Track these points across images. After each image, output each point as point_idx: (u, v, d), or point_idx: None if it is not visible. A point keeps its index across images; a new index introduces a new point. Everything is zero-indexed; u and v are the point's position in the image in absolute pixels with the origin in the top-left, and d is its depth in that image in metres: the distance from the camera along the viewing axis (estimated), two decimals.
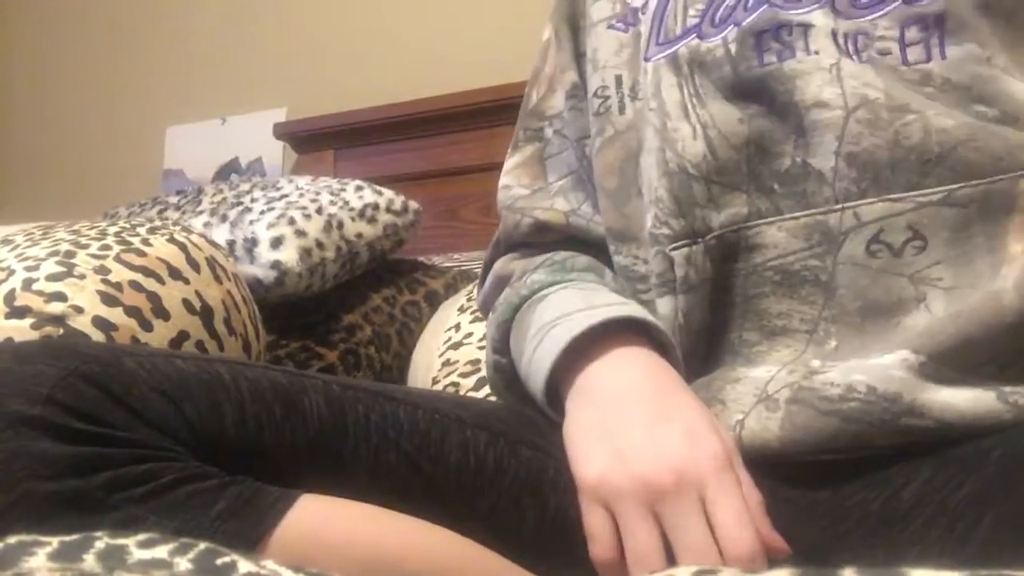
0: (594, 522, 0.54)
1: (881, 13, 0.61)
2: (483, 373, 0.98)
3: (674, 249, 0.64)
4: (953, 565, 0.36)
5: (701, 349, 0.64)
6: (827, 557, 0.57)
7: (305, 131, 2.13)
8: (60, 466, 0.48)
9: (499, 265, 0.79)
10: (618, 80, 0.71)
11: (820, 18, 0.62)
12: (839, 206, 0.59)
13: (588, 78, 0.74)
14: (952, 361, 0.56)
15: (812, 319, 0.61)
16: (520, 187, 0.78)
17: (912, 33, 0.60)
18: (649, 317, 0.64)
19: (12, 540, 0.30)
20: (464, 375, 0.98)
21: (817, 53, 0.61)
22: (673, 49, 0.66)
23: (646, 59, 0.69)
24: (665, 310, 0.64)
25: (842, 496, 0.59)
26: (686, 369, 0.64)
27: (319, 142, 2.10)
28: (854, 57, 0.61)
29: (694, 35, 0.66)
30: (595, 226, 0.75)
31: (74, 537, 0.30)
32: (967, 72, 0.59)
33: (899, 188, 0.58)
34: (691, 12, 0.67)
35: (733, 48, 0.63)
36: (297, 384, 0.57)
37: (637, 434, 0.56)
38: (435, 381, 1.02)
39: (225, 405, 0.54)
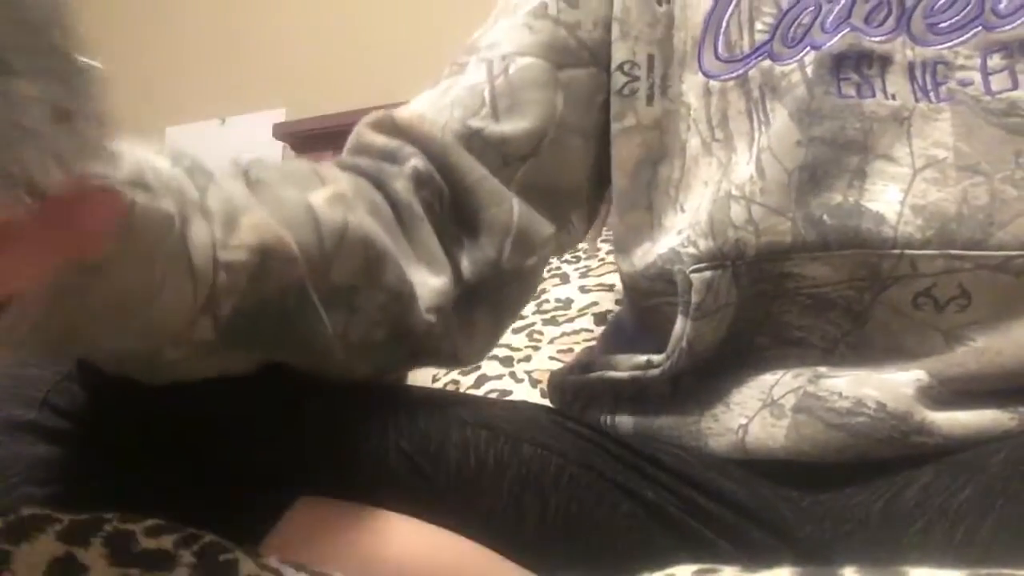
0: None
1: (960, 40, 0.59)
2: (482, 371, 0.98)
3: (696, 271, 0.60)
4: (954, 566, 0.36)
5: (703, 360, 0.63)
6: (828, 557, 0.57)
7: (305, 131, 2.13)
8: (55, 471, 0.47)
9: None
10: (650, 61, 0.65)
11: (899, 49, 0.59)
12: (898, 251, 0.57)
13: (613, 43, 0.66)
14: (968, 390, 0.56)
15: (832, 339, 0.60)
16: (408, 109, 0.65)
17: (995, 61, 0.58)
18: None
19: (26, 514, 0.30)
20: (464, 372, 0.98)
21: (894, 98, 0.59)
22: (743, 70, 0.62)
23: (707, 75, 0.63)
24: (676, 328, 0.61)
25: (844, 497, 0.59)
26: (686, 374, 0.63)
27: (319, 142, 2.10)
28: (931, 95, 0.58)
29: (765, 55, 0.61)
30: (456, 127, 0.62)
31: (84, 517, 0.30)
32: None
33: (962, 244, 0.56)
34: (759, 25, 0.62)
35: (810, 71, 0.60)
36: (296, 385, 0.57)
37: None
38: (435, 379, 1.02)
39: (224, 407, 0.53)
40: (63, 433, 0.48)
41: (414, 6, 2.14)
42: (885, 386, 0.57)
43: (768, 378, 0.60)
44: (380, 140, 0.62)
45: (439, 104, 0.64)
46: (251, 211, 0.47)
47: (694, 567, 0.34)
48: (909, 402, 0.56)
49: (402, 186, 0.59)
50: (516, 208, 0.62)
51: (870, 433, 0.56)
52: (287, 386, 0.56)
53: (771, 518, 0.60)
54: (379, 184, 0.59)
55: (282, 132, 2.18)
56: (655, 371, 0.63)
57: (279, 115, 2.26)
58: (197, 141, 2.37)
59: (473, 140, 0.62)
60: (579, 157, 0.67)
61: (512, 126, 0.63)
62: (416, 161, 0.60)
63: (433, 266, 0.59)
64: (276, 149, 2.26)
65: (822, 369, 0.59)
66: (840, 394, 0.57)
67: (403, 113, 0.63)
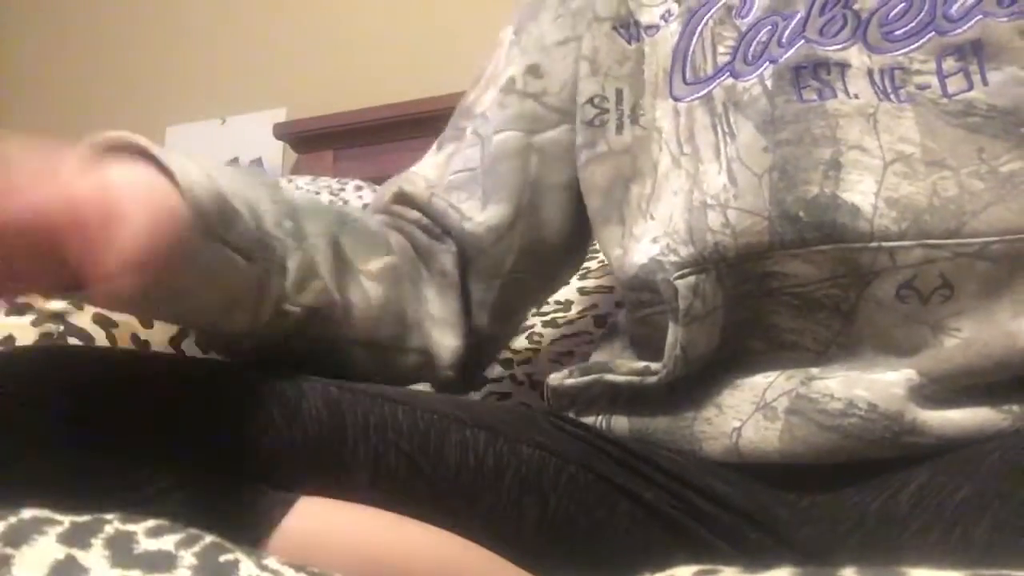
0: None
1: (915, 46, 0.60)
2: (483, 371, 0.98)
3: (679, 278, 0.61)
4: (952, 566, 0.36)
5: (698, 366, 0.63)
6: (826, 558, 0.57)
7: (305, 131, 2.13)
8: (56, 474, 0.47)
9: None
10: (618, 95, 0.69)
11: (856, 56, 0.61)
12: (875, 244, 0.58)
13: (581, 79, 0.72)
14: (961, 388, 0.56)
15: (825, 340, 0.60)
16: (420, 177, 0.76)
17: (949, 64, 0.59)
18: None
19: (27, 515, 0.30)
20: None
21: (857, 97, 0.60)
22: (707, 90, 0.65)
23: (675, 99, 0.66)
24: (671, 339, 0.62)
25: (840, 498, 0.59)
26: (681, 379, 0.63)
27: (319, 142, 2.10)
28: (892, 97, 0.60)
29: (727, 74, 0.64)
30: (454, 215, 0.73)
31: (85, 517, 0.30)
32: (1011, 96, 0.57)
33: (938, 234, 0.57)
34: (720, 49, 0.65)
35: (770, 84, 0.62)
36: (295, 386, 0.57)
37: None
38: None
39: (223, 409, 0.54)
40: (64, 437, 0.48)
41: (414, 6, 2.15)
42: (876, 386, 0.57)
43: (760, 380, 0.61)
44: (411, 214, 0.74)
45: (445, 181, 0.75)
46: (319, 279, 0.61)
47: (694, 568, 0.34)
48: (901, 402, 0.56)
49: (448, 261, 0.72)
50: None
51: (862, 434, 0.56)
52: (286, 386, 0.56)
53: (768, 520, 0.60)
54: (429, 254, 0.73)
55: (282, 132, 2.18)
56: (652, 378, 0.63)
57: (279, 115, 2.26)
58: (197, 141, 2.37)
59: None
60: (562, 208, 0.74)
61: (495, 210, 0.73)
62: (454, 248, 0.73)
63: (456, 328, 0.72)
64: (276, 149, 2.26)
65: (814, 371, 0.60)
66: (832, 395, 0.58)
67: (411, 191, 0.75)
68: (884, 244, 0.57)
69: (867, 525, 0.57)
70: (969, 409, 0.56)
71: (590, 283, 1.01)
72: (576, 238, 0.77)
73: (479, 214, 0.73)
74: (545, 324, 1.00)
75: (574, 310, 1.01)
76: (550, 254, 0.76)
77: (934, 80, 0.59)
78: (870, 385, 0.57)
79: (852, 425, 0.57)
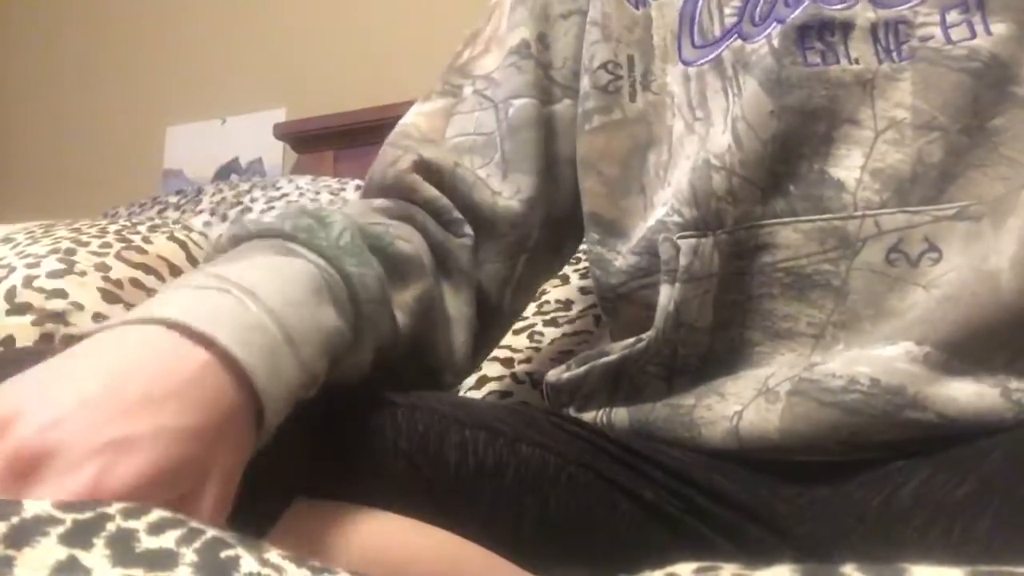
0: None
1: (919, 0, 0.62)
2: (483, 372, 0.98)
3: (682, 238, 0.62)
4: (954, 563, 0.36)
5: (701, 345, 0.64)
6: (826, 554, 0.57)
7: (305, 131, 2.13)
8: None
9: (356, 208, 0.67)
10: (630, 61, 0.70)
11: (860, 12, 0.62)
12: (859, 213, 0.60)
13: (592, 44, 0.71)
14: (959, 351, 0.57)
15: (820, 323, 0.61)
16: (414, 129, 0.73)
17: (953, 16, 0.61)
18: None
19: (28, 514, 0.30)
20: None
21: (857, 62, 0.62)
22: (716, 53, 0.66)
23: (685, 63, 0.67)
24: (662, 300, 0.63)
25: (841, 494, 0.59)
26: (680, 365, 0.64)
27: (319, 142, 2.11)
28: (894, 54, 0.61)
29: (735, 36, 0.65)
30: (483, 189, 0.70)
31: (87, 515, 0.30)
32: (1010, 51, 0.60)
33: (916, 201, 0.59)
34: (727, 11, 0.66)
35: (776, 43, 0.63)
36: None
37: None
38: None
39: None
40: None
41: (414, 6, 2.15)
42: (878, 362, 0.57)
43: (764, 371, 0.61)
44: (427, 191, 0.69)
45: (451, 143, 0.72)
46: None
47: (694, 565, 0.34)
48: (902, 375, 0.56)
49: (464, 256, 0.69)
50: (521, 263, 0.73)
51: (863, 409, 0.57)
52: None
53: (769, 516, 0.60)
54: (445, 252, 0.68)
55: (282, 132, 2.18)
56: (642, 344, 0.64)
57: (279, 115, 2.26)
58: (197, 141, 2.38)
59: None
60: (570, 180, 0.73)
61: (524, 181, 0.71)
62: (470, 233, 0.70)
63: (468, 324, 0.70)
64: (276, 149, 2.26)
65: (817, 359, 0.60)
66: (834, 374, 0.58)
67: (434, 158, 0.70)
68: (868, 212, 0.60)
69: (868, 521, 0.57)
70: (975, 389, 0.56)
71: (591, 282, 1.01)
72: (579, 211, 0.74)
73: (506, 186, 0.70)
74: (546, 323, 1.01)
75: (575, 309, 1.01)
76: (561, 227, 0.75)
77: (937, 31, 0.61)
78: (872, 361, 0.58)
79: (853, 400, 0.57)
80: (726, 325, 0.64)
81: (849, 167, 0.61)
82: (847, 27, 0.62)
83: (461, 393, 1.00)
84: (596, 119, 0.70)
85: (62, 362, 0.42)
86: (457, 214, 0.70)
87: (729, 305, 0.63)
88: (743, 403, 0.60)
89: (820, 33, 0.62)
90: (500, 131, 0.71)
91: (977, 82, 0.59)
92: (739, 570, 0.34)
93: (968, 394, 0.56)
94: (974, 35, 0.60)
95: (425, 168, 0.70)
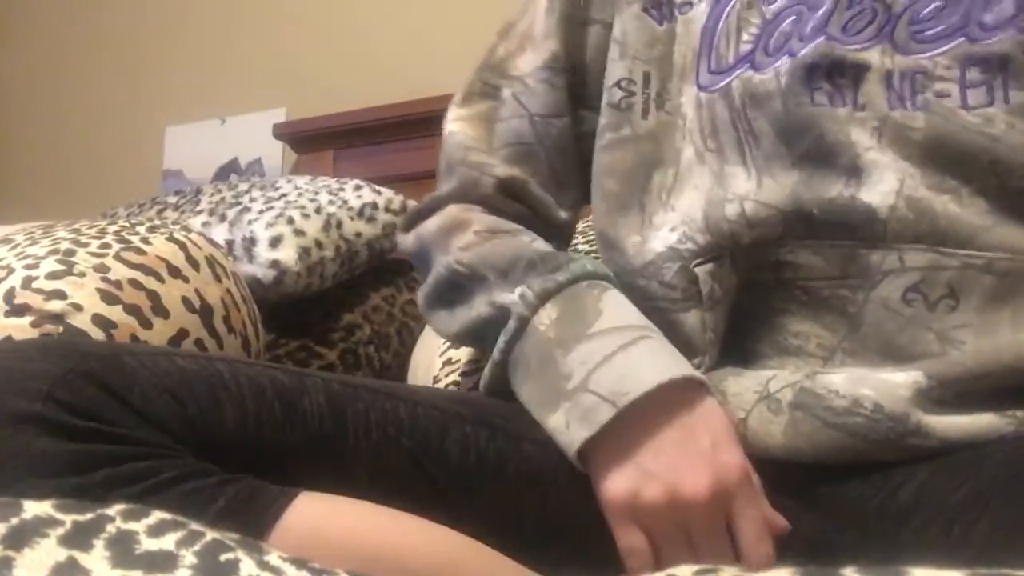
0: (630, 541, 0.55)
1: (942, 50, 0.59)
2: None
3: (697, 265, 0.62)
4: (951, 565, 0.36)
5: (715, 354, 0.64)
6: (825, 555, 0.57)
7: (305, 131, 2.13)
8: (60, 463, 0.48)
9: (456, 210, 0.74)
10: (646, 78, 0.70)
11: (876, 57, 0.60)
12: (886, 244, 0.59)
13: (612, 62, 0.71)
14: (958, 387, 0.56)
15: (830, 347, 0.61)
16: (468, 139, 0.77)
17: (973, 74, 0.58)
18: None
19: (28, 515, 0.30)
20: (465, 374, 0.98)
21: (864, 108, 0.60)
22: (726, 82, 0.65)
23: (700, 88, 0.67)
24: (692, 323, 0.63)
25: (840, 494, 0.59)
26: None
27: (319, 142, 2.10)
28: (907, 103, 0.59)
29: (747, 65, 0.64)
30: (550, 204, 0.76)
31: (88, 516, 0.30)
32: None
33: (952, 242, 0.58)
34: (744, 37, 0.65)
35: (784, 81, 0.62)
36: (297, 382, 0.57)
37: (663, 448, 0.56)
38: (436, 380, 1.02)
39: (226, 403, 0.53)
40: (67, 426, 0.48)
41: (414, 7, 2.14)
42: (882, 387, 0.57)
43: (765, 374, 0.61)
44: (514, 208, 0.75)
45: (501, 154, 0.76)
46: None
47: (694, 567, 0.34)
48: (906, 404, 0.56)
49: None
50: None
51: (867, 434, 0.57)
52: (288, 381, 0.56)
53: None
54: None
55: (282, 132, 2.17)
56: (702, 371, 0.63)
57: (279, 115, 2.26)
58: (197, 141, 2.37)
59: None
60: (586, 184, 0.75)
61: (573, 197, 0.78)
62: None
63: None
64: (276, 149, 2.26)
65: (818, 367, 0.60)
66: (837, 392, 0.58)
67: (507, 176, 0.75)
68: (894, 245, 0.58)
69: (867, 522, 0.57)
70: (974, 415, 0.56)
71: None
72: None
73: (562, 198, 0.77)
74: None
75: None
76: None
77: (955, 89, 0.59)
78: (876, 385, 0.57)
79: (857, 424, 0.57)
80: (739, 334, 0.64)
81: (884, 192, 0.59)
82: (859, 70, 0.60)
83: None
84: (607, 136, 0.71)
85: (668, 435, 0.56)
86: (535, 223, 0.75)
87: (744, 314, 0.63)
88: (746, 408, 0.60)
89: (829, 74, 0.61)
90: (544, 147, 0.75)
91: (994, 146, 0.57)
92: (739, 571, 0.34)
93: (968, 420, 0.56)
94: (992, 101, 0.58)
95: (509, 188, 0.75)
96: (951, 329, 0.58)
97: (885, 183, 0.59)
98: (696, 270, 0.62)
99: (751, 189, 0.62)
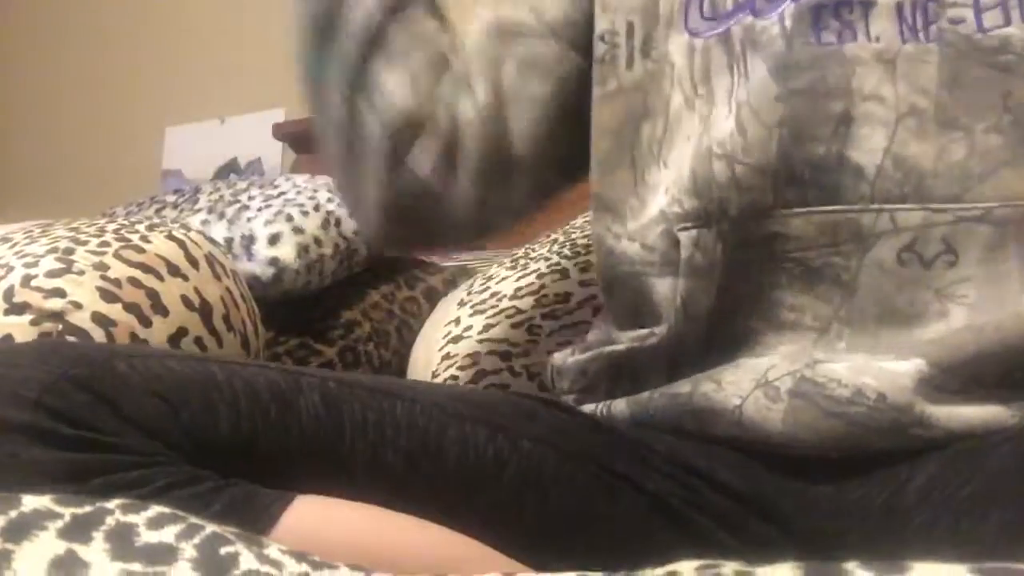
0: None
1: None
2: (480, 366, 0.98)
3: (682, 230, 0.61)
4: (958, 561, 0.36)
5: (701, 332, 0.63)
6: (830, 550, 0.56)
7: (305, 131, 2.12)
8: (51, 472, 0.47)
9: None
10: (629, 28, 0.68)
11: None
12: (876, 207, 0.57)
13: (594, 15, 0.70)
14: (962, 373, 0.56)
15: (826, 318, 0.60)
16: None
17: None
18: None
19: (27, 508, 0.30)
20: (463, 368, 0.98)
21: (878, 40, 0.58)
22: (725, 27, 0.63)
23: (692, 33, 0.65)
24: (664, 291, 0.62)
25: (845, 491, 0.58)
26: (681, 354, 0.63)
27: (319, 142, 2.10)
28: (920, 35, 0.58)
29: (747, 11, 0.62)
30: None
31: (87, 510, 0.30)
32: None
33: (940, 199, 0.57)
34: None
35: (789, 24, 0.60)
36: (293, 383, 0.56)
37: None
38: (434, 375, 1.02)
39: (220, 407, 0.53)
40: (57, 435, 0.48)
41: None
42: (885, 376, 0.56)
43: (763, 361, 0.60)
44: None
45: None
46: None
47: (696, 563, 0.34)
48: (909, 394, 0.56)
49: None
50: None
51: (868, 423, 0.56)
52: (283, 382, 0.56)
53: (772, 510, 0.60)
54: None
55: (282, 132, 2.18)
56: (654, 339, 0.63)
57: (279, 115, 2.26)
58: (197, 141, 2.37)
59: None
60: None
61: None
62: None
63: None
64: (275, 149, 2.26)
65: (819, 355, 0.59)
66: (839, 381, 0.57)
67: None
68: (884, 206, 0.57)
69: (872, 517, 0.57)
70: (978, 405, 0.56)
71: (589, 275, 1.01)
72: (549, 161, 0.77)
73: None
74: (544, 316, 1.00)
75: (573, 301, 1.01)
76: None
77: (969, 13, 0.57)
78: (879, 374, 0.56)
79: (859, 414, 0.56)
80: (730, 313, 0.62)
81: (871, 150, 0.58)
82: (868, 4, 0.59)
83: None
84: (596, 92, 0.69)
85: None
86: None
87: (734, 293, 0.62)
88: (742, 395, 0.60)
89: (837, 11, 0.59)
90: None
91: (1008, 77, 0.56)
92: (741, 568, 0.33)
93: (972, 410, 0.55)
94: (1008, 22, 0.57)
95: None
96: (950, 285, 0.57)
97: (874, 139, 0.58)
98: (680, 235, 0.61)
99: (731, 131, 0.60)
